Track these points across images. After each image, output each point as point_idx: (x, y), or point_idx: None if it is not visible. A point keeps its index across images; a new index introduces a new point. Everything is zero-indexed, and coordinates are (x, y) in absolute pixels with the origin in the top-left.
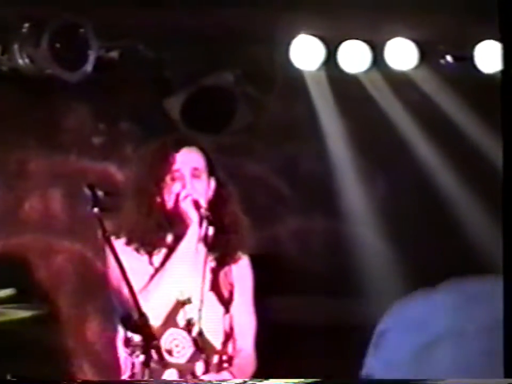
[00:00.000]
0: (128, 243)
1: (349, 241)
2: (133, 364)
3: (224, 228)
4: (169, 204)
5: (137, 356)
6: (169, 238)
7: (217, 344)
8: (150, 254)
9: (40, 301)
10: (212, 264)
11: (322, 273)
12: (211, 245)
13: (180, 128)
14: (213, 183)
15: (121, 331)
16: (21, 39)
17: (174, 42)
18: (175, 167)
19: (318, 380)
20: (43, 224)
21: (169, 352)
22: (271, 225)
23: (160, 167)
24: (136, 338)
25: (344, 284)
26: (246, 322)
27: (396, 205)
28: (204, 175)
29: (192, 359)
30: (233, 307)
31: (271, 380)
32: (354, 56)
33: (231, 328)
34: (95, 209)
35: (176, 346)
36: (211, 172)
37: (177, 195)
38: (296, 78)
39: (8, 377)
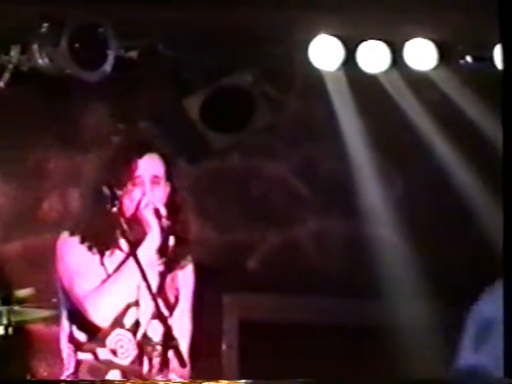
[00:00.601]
0: (82, 241)
1: (368, 241)
2: (77, 362)
3: (175, 234)
4: (129, 209)
5: (156, 356)
6: (124, 241)
7: (159, 347)
8: (102, 254)
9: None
10: (160, 268)
11: (341, 273)
12: (164, 251)
13: (198, 128)
14: (168, 188)
15: (66, 327)
16: (41, 39)
17: (193, 42)
18: (137, 173)
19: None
20: (62, 223)
21: (114, 353)
22: (290, 226)
23: (122, 172)
24: (83, 337)
25: (363, 284)
26: (184, 327)
27: (415, 204)
28: (163, 182)
29: (136, 361)
30: (175, 312)
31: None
32: (373, 56)
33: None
34: (114, 209)
35: (121, 347)
36: (168, 177)
37: (138, 202)
38: (315, 78)
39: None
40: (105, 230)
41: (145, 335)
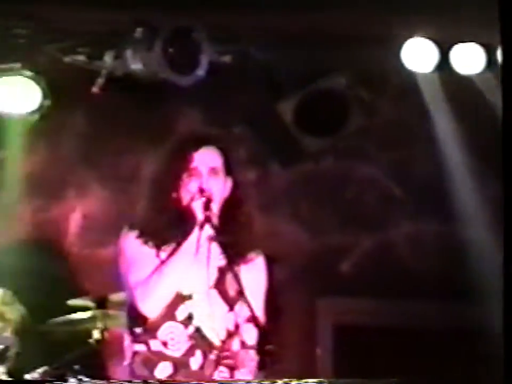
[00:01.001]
0: (139, 236)
1: (462, 243)
2: (133, 353)
3: (236, 228)
4: (184, 201)
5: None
6: (177, 233)
7: (217, 341)
8: (158, 248)
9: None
10: (220, 263)
11: (436, 276)
12: (219, 244)
13: (292, 131)
14: (229, 183)
15: (127, 319)
16: (134, 44)
17: (286, 45)
18: (193, 165)
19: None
20: None
21: (165, 344)
22: (384, 228)
23: (178, 165)
24: (138, 329)
25: (458, 287)
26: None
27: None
28: (221, 174)
29: (188, 354)
30: (241, 306)
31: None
32: (467, 58)
33: (237, 327)
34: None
35: (172, 339)
36: (228, 171)
37: (193, 194)
38: (408, 81)
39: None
40: (162, 223)
41: (198, 329)
